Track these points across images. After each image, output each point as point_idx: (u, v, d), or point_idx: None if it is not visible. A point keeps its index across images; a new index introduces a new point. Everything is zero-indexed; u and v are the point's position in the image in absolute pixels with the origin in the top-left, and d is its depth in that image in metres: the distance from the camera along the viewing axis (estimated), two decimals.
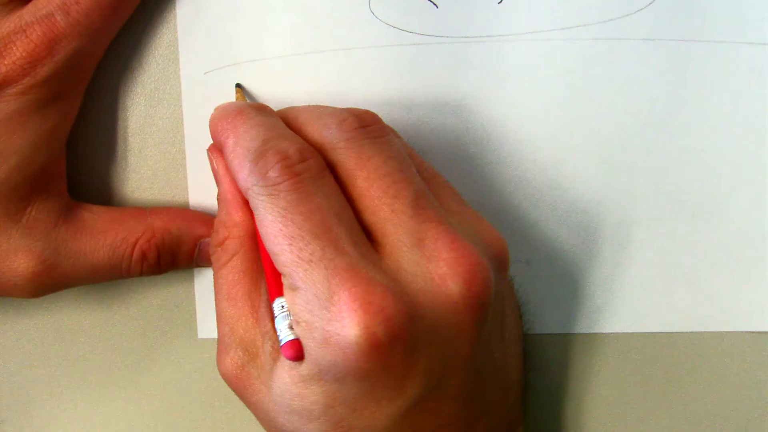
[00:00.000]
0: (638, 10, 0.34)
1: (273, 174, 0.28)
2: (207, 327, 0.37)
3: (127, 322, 0.37)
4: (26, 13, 0.30)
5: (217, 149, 0.32)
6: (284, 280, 0.28)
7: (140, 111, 0.35)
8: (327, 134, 0.30)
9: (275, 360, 0.29)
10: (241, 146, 0.29)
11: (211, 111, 0.34)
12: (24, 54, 0.30)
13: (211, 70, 0.34)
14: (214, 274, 0.32)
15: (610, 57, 0.34)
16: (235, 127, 0.30)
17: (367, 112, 0.30)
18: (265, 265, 0.30)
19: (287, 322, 0.28)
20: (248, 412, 0.38)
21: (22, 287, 0.32)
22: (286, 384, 0.28)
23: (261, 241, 0.30)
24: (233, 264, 0.31)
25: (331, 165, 0.29)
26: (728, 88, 0.34)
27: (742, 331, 0.36)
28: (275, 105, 0.35)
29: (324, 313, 0.26)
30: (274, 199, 0.28)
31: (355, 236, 0.28)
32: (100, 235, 0.33)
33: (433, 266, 0.27)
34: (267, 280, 0.30)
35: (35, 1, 0.30)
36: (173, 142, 0.35)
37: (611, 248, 0.36)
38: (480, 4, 0.34)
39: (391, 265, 0.28)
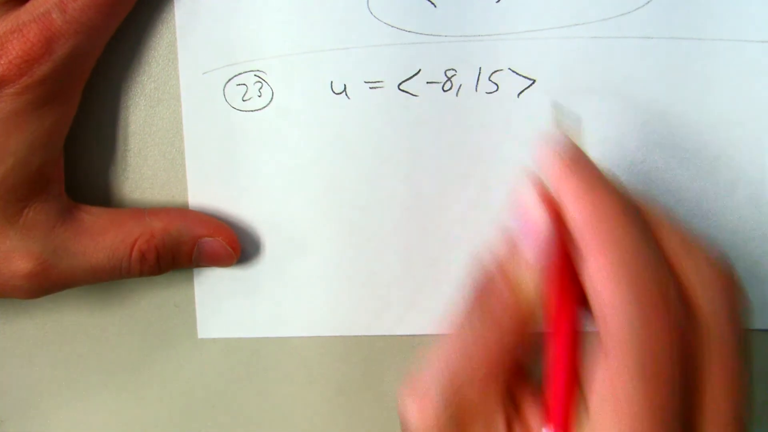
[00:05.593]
0: (636, 9, 0.34)
1: (653, 316, 0.24)
2: (207, 327, 0.37)
3: (127, 322, 0.37)
4: (23, 13, 0.30)
5: (552, 209, 0.27)
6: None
7: (140, 111, 0.35)
8: (705, 295, 0.26)
9: None
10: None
11: (210, 111, 0.34)
12: (21, 53, 0.29)
13: (209, 70, 0.34)
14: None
15: (608, 55, 0.34)
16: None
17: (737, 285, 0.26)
18: (560, 377, 0.26)
19: None
20: (248, 412, 0.38)
21: (20, 288, 0.32)
22: None
23: (563, 348, 0.26)
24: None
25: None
26: (727, 86, 0.34)
27: None
28: (275, 105, 0.35)
29: None
30: (638, 341, 0.24)
31: None
32: (98, 237, 0.33)
33: None
34: (555, 398, 0.26)
35: (32, 0, 0.30)
36: (173, 142, 0.35)
37: None
38: (478, 3, 0.33)
39: None
